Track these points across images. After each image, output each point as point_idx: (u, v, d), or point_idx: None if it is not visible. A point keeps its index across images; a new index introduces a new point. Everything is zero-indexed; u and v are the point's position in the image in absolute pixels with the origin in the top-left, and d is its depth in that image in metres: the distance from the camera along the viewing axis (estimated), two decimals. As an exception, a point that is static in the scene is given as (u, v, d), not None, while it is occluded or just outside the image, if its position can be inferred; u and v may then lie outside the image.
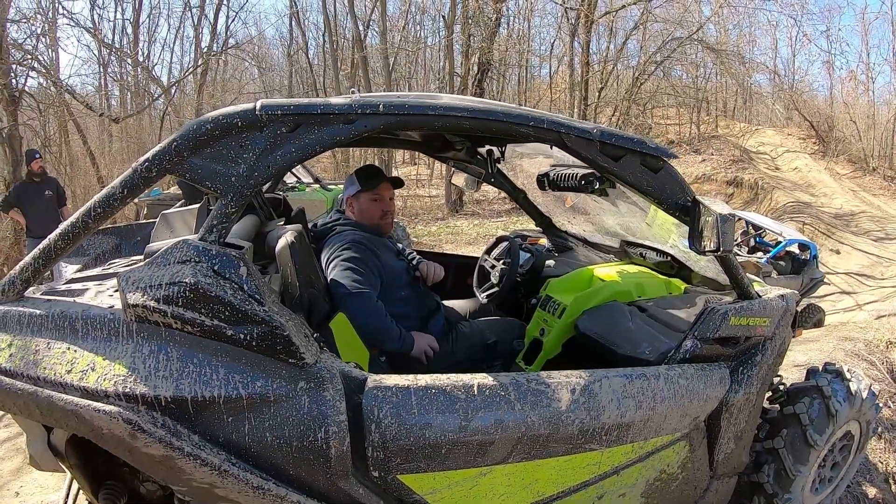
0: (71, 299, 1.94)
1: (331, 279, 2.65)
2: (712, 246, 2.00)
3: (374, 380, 1.82)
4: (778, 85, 26.22)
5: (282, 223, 2.92)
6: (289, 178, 9.13)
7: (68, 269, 2.64)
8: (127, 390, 1.67)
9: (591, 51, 19.09)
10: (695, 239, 2.07)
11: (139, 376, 1.68)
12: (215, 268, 1.69)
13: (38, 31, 13.59)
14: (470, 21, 17.61)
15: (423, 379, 1.85)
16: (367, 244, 2.79)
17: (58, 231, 1.85)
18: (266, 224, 2.92)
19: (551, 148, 2.23)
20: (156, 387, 1.67)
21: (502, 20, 19.04)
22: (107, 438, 1.70)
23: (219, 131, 1.74)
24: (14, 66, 11.57)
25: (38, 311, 1.83)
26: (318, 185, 9.24)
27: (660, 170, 2.11)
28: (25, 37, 12.87)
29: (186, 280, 1.67)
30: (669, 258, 3.11)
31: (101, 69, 20.09)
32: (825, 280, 10.38)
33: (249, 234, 2.64)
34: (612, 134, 2.05)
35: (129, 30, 21.71)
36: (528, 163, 3.44)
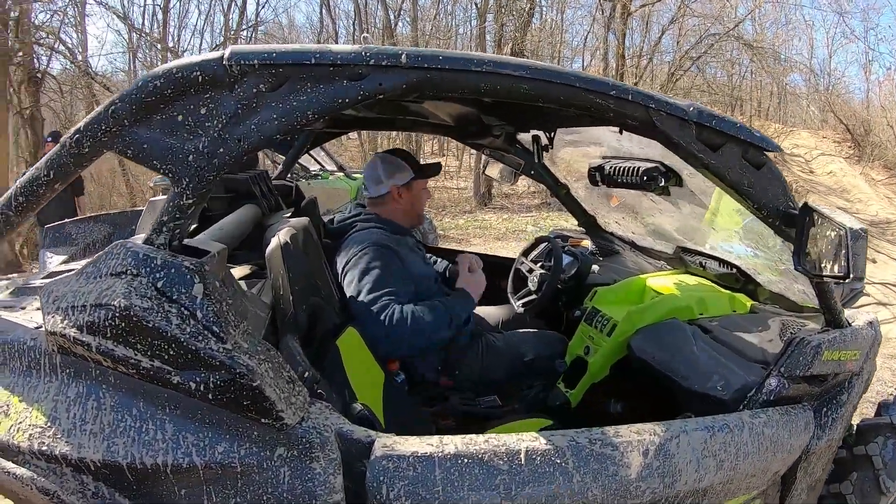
0: (2, 312, 1.52)
1: (348, 292, 2.23)
2: (838, 270, 1.54)
3: (383, 445, 1.32)
4: (813, 86, 25.58)
5: (288, 215, 2.51)
6: (311, 165, 8.80)
7: (53, 260, 2.36)
8: (44, 448, 1.26)
9: (625, 44, 18.60)
10: (802, 257, 1.62)
11: (61, 429, 1.26)
12: (158, 284, 1.21)
13: (65, 12, 13.31)
14: (503, 10, 17.05)
15: (452, 443, 1.36)
16: (394, 247, 2.36)
17: None
18: (270, 216, 2.55)
19: (620, 132, 1.81)
20: (81, 446, 1.25)
21: (535, 10, 18.46)
22: None
23: (172, 90, 1.25)
24: (36, 47, 11.38)
25: None
26: (342, 174, 8.85)
27: (762, 165, 1.65)
28: (49, 17, 12.58)
29: (115, 302, 1.19)
30: (734, 269, 2.65)
31: (131, 54, 19.83)
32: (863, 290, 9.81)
33: (245, 229, 2.25)
34: (711, 115, 1.57)
35: (159, 15, 21.42)
36: (572, 153, 3.01)
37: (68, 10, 13.52)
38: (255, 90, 1.26)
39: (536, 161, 2.87)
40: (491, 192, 16.21)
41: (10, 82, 10.55)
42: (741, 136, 1.59)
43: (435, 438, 1.36)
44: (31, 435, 1.26)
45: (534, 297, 2.80)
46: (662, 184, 2.37)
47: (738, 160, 1.61)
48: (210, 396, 1.22)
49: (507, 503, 1.34)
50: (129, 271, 1.22)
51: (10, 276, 2.71)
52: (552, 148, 2.65)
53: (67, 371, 1.29)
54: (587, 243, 3.35)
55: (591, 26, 22.23)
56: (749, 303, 2.54)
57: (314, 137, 3.30)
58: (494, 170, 3.40)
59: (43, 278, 1.95)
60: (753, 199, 1.65)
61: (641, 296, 2.61)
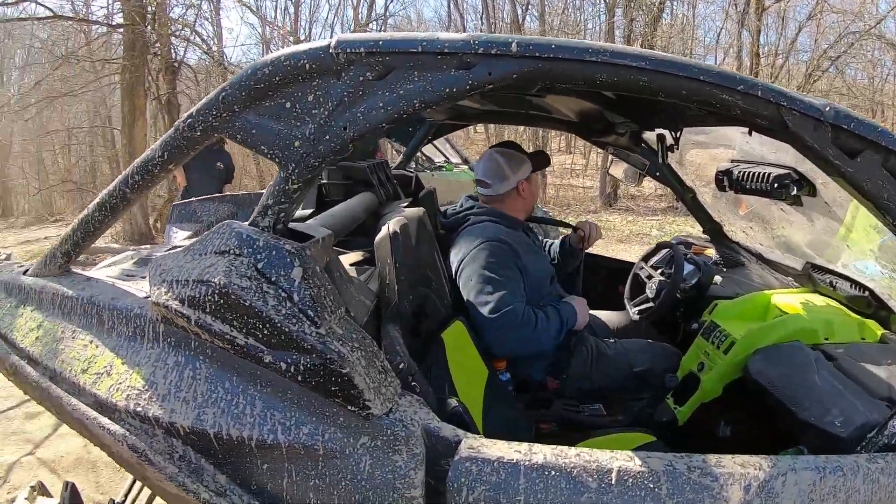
0: (112, 281, 1.60)
1: (464, 287, 2.22)
2: None
3: (469, 446, 1.28)
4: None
5: (405, 205, 2.52)
6: (436, 157, 8.87)
7: (178, 235, 2.47)
8: (139, 408, 1.31)
9: (759, 42, 17.62)
10: None
11: (156, 393, 1.32)
12: (259, 265, 1.23)
13: (200, 6, 14.25)
14: (632, 5, 16.62)
15: (541, 453, 1.30)
16: (511, 242, 2.33)
17: (94, 202, 1.54)
18: (387, 205, 2.56)
19: (749, 133, 1.67)
20: (174, 411, 1.29)
21: (666, 5, 17.94)
22: (117, 459, 1.43)
23: (280, 77, 1.27)
24: (173, 39, 12.22)
25: (70, 292, 1.56)
26: (466, 166, 8.88)
27: None
28: (184, 10, 13.51)
29: (216, 279, 1.22)
30: (866, 293, 2.39)
31: (263, 46, 21.04)
32: None
33: (357, 217, 2.28)
34: (849, 117, 1.40)
35: (291, 9, 22.61)
36: (700, 156, 2.85)
37: (203, 4, 14.50)
38: (361, 78, 1.25)
39: (661, 161, 2.73)
40: (617, 192, 15.89)
41: (148, 71, 11.41)
42: (882, 143, 1.41)
43: (524, 446, 1.30)
44: (128, 395, 1.33)
45: (651, 304, 2.68)
46: (794, 193, 2.19)
47: (877, 169, 1.43)
48: (299, 378, 1.23)
49: None
50: (231, 251, 1.25)
51: (140, 247, 2.89)
52: (678, 148, 2.51)
53: (168, 340, 1.35)
54: (711, 252, 3.17)
55: (724, 22, 21.19)
56: (880, 331, 2.31)
57: (436, 129, 3.31)
58: (619, 169, 3.27)
59: (166, 251, 2.04)
60: (893, 215, 1.47)
61: (764, 313, 2.43)
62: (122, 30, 11.48)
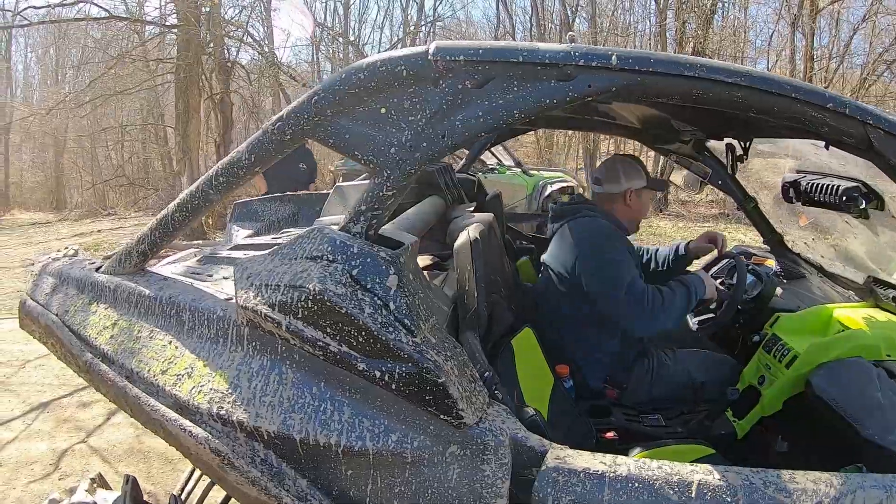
0: (190, 281, 1.61)
1: (591, 278, 2.26)
2: None
3: (556, 457, 1.27)
4: None
5: (471, 209, 2.53)
6: (489, 160, 8.88)
7: (239, 234, 2.48)
8: (223, 412, 1.32)
9: (813, 44, 17.29)
10: None
11: (241, 397, 1.32)
12: (353, 272, 1.23)
13: (253, 7, 14.48)
14: (684, 7, 16.48)
15: (625, 465, 1.29)
16: (621, 232, 2.43)
17: (175, 202, 1.54)
18: (453, 208, 2.56)
19: (826, 148, 1.62)
20: (259, 415, 1.29)
21: (717, 7, 17.73)
22: (196, 461, 1.43)
23: (376, 83, 1.26)
24: (227, 39, 12.45)
25: (147, 291, 1.56)
26: (519, 170, 8.87)
27: None
28: (238, 12, 13.76)
29: (310, 285, 1.22)
30: None
31: (314, 47, 21.33)
32: None
33: (428, 221, 2.27)
34: None
35: (341, 10, 22.98)
36: (763, 165, 2.81)
37: (256, 5, 14.71)
38: (460, 86, 1.24)
39: (729, 172, 2.71)
40: (667, 198, 15.71)
41: (202, 70, 11.58)
42: None
43: (609, 457, 1.30)
44: (210, 398, 1.33)
45: (712, 315, 2.65)
46: (863, 206, 2.16)
47: None
48: (394, 387, 1.22)
49: None
50: (325, 256, 1.25)
51: (194, 242, 2.91)
52: (747, 158, 2.49)
53: (254, 344, 1.35)
54: (772, 263, 3.11)
55: (777, 24, 20.87)
56: None
57: (499, 134, 3.30)
58: (679, 176, 3.24)
59: (229, 250, 2.04)
60: None
61: (826, 328, 2.39)
62: (176, 30, 11.70)
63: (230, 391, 1.32)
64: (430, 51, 1.25)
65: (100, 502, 2.02)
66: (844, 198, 2.19)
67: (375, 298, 1.21)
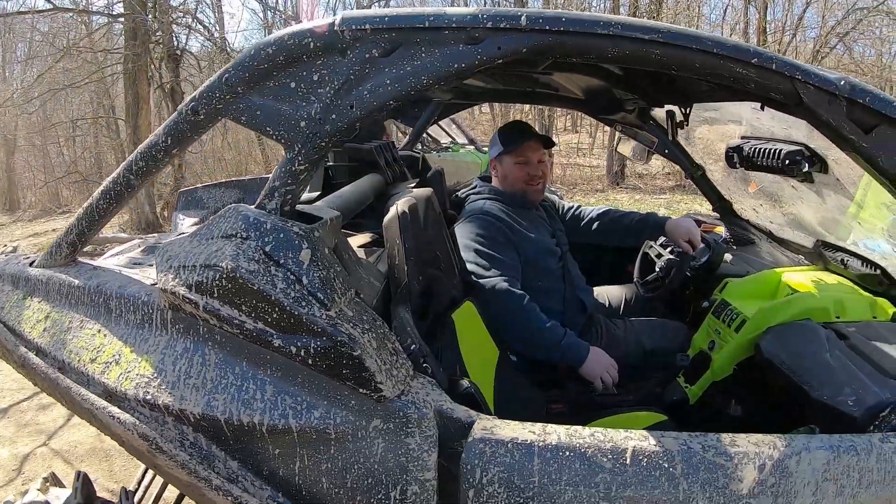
0: (119, 269, 1.59)
1: (466, 263, 2.23)
2: None
3: (482, 427, 1.26)
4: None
5: (413, 185, 2.53)
6: (442, 138, 8.87)
7: (185, 222, 2.46)
8: (149, 396, 1.31)
9: (766, 18, 17.37)
10: None
11: (166, 381, 1.31)
12: (267, 248, 1.21)
13: None
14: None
15: (555, 433, 1.28)
16: (503, 216, 2.33)
17: (99, 190, 1.52)
18: (394, 186, 2.55)
19: (761, 108, 1.60)
20: (184, 398, 1.28)
21: (670, -19, 17.68)
22: (128, 448, 1.45)
23: (284, 57, 1.24)
24: (175, 27, 12.19)
25: (77, 282, 1.54)
26: (472, 147, 8.87)
27: None
28: None
29: (223, 263, 1.21)
30: (878, 271, 2.37)
31: (266, 31, 21.04)
32: None
33: (364, 198, 2.27)
34: (864, 91, 1.37)
35: None
36: (710, 132, 2.80)
37: None
38: (367, 55, 1.23)
39: (670, 139, 2.68)
40: (624, 171, 15.73)
41: (150, 60, 11.37)
42: None
43: (538, 426, 1.29)
44: (137, 384, 1.32)
45: (660, 283, 2.64)
46: (806, 169, 2.15)
47: (892, 144, 1.40)
48: (310, 362, 1.21)
49: (606, 503, 1.26)
50: (239, 234, 1.23)
51: (147, 235, 2.89)
52: (687, 125, 2.48)
53: (177, 327, 1.33)
54: (721, 230, 3.14)
55: (731, -1, 20.99)
56: (892, 310, 2.28)
57: (441, 109, 3.28)
58: (627, 147, 3.21)
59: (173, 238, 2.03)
60: None
61: (775, 291, 2.40)
62: (122, 19, 11.45)
63: (156, 375, 1.31)
64: (337, 21, 1.23)
65: (52, 500, 1.99)
66: (787, 161, 2.18)
67: (288, 273, 1.20)
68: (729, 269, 2.65)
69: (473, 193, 2.51)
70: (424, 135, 9.44)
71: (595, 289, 2.83)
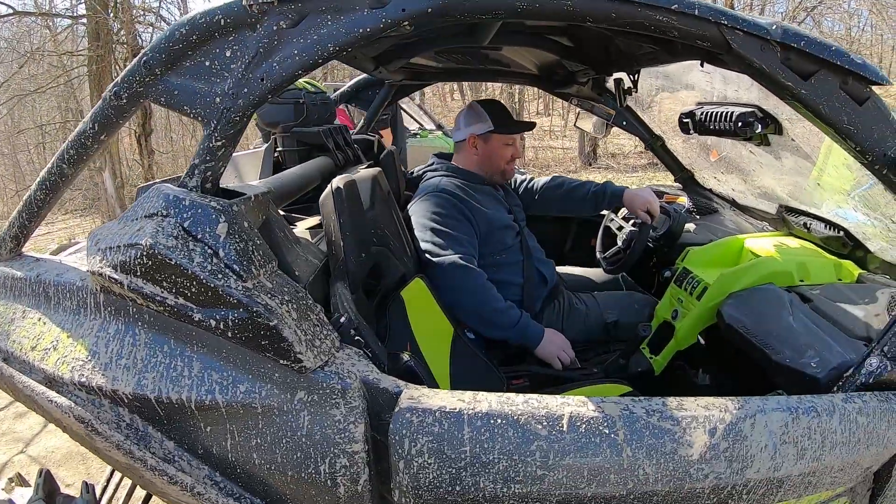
0: (59, 259, 1.61)
1: (419, 241, 2.22)
2: None
3: (409, 397, 1.25)
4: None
5: (364, 167, 2.51)
6: (410, 125, 8.92)
7: None
8: (83, 379, 1.31)
9: (735, -6, 17.32)
10: None
11: (98, 363, 1.31)
12: (185, 224, 1.21)
13: None
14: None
15: (486, 401, 1.26)
16: (457, 191, 2.32)
17: (36, 181, 1.53)
18: (345, 168, 2.56)
19: (702, 65, 1.58)
20: (116, 379, 1.28)
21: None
22: (68, 433, 1.44)
23: (198, 36, 1.24)
24: (137, 25, 12.01)
25: (19, 274, 1.55)
26: (440, 132, 8.90)
27: (865, 100, 1.37)
28: None
29: (143, 241, 1.21)
30: (841, 233, 2.34)
31: None
32: None
33: (309, 180, 2.28)
34: (799, 35, 1.32)
35: None
36: (668, 101, 2.78)
37: None
38: (275, 28, 1.22)
39: (620, 106, 2.66)
40: (596, 151, 15.56)
41: (114, 60, 11.19)
42: (838, 62, 1.32)
43: (468, 394, 1.27)
44: (73, 367, 1.32)
45: (622, 256, 2.63)
46: (759, 130, 2.13)
47: (834, 91, 1.35)
48: (230, 334, 1.21)
49: (543, 472, 1.22)
50: (160, 212, 1.24)
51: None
52: (636, 91, 2.46)
53: (109, 309, 1.33)
54: (683, 200, 3.12)
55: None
56: (857, 271, 2.26)
57: (396, 90, 3.27)
58: (587, 122, 3.20)
59: None
60: (854, 140, 1.39)
61: (737, 258, 2.40)
62: (84, 20, 11.35)
63: (90, 358, 1.32)
64: None
65: (16, 499, 2.00)
66: (739, 123, 2.17)
67: (206, 247, 1.20)
68: (692, 238, 2.64)
69: (430, 171, 2.50)
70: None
71: (566, 268, 2.83)
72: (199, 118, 1.27)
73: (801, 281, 2.17)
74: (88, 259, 1.33)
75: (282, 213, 2.18)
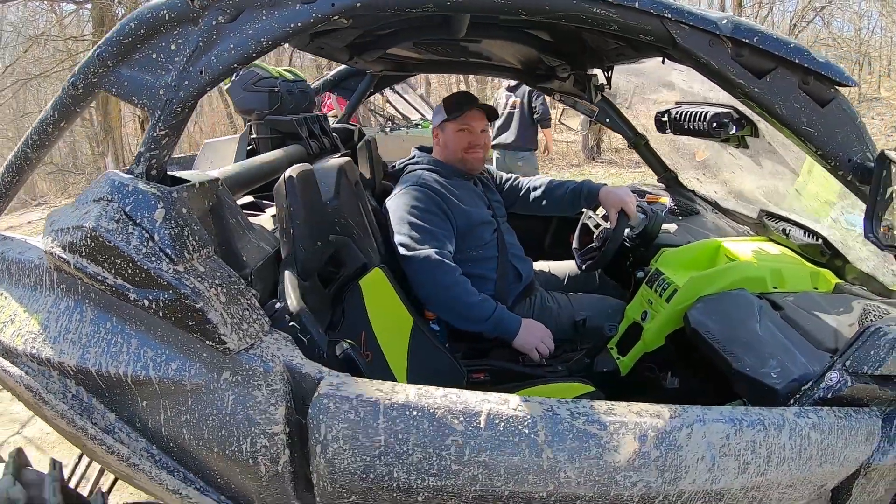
0: (24, 238, 1.68)
1: (394, 233, 2.25)
2: None
3: (329, 383, 1.29)
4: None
5: (338, 156, 2.57)
6: (413, 115, 8.93)
7: None
8: (34, 350, 1.38)
9: (744, -8, 16.91)
10: (874, 221, 1.32)
11: (48, 336, 1.38)
12: (126, 209, 1.28)
13: None
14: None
15: (405, 392, 1.29)
16: (437, 185, 2.34)
17: (3, 165, 1.60)
18: (319, 157, 2.59)
19: (663, 62, 1.56)
20: (62, 352, 1.36)
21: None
22: (21, 400, 1.51)
23: (146, 30, 1.30)
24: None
25: None
26: None
27: (828, 102, 1.32)
28: None
29: (87, 224, 1.28)
30: (820, 241, 2.28)
31: None
32: None
33: (277, 168, 2.31)
34: (752, 30, 1.27)
35: None
36: (652, 100, 2.77)
37: None
38: (214, 22, 1.27)
39: (591, 101, 2.62)
40: (600, 146, 15.27)
41: None
42: (797, 60, 1.27)
43: (387, 385, 1.30)
44: (26, 340, 1.39)
45: (596, 254, 2.62)
46: (734, 132, 2.12)
47: (793, 91, 1.30)
48: (160, 314, 1.28)
49: (458, 467, 1.24)
50: (105, 197, 1.30)
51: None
52: (609, 88, 2.44)
53: (61, 287, 1.40)
54: (666, 200, 3.09)
55: (706, -30, 20.36)
56: (835, 281, 2.19)
57: (377, 81, 3.29)
58: (573, 120, 3.22)
59: None
60: (814, 143, 1.34)
61: (712, 261, 2.36)
62: (89, 5, 11.58)
63: (41, 332, 1.38)
64: None
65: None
66: (714, 123, 2.16)
67: (143, 231, 1.26)
68: (671, 239, 2.62)
69: (412, 163, 2.53)
70: (395, 112, 9.54)
71: (544, 263, 2.84)
72: (146, 108, 1.33)
73: (775, 288, 2.12)
74: (43, 239, 1.40)
75: (252, 199, 2.24)
